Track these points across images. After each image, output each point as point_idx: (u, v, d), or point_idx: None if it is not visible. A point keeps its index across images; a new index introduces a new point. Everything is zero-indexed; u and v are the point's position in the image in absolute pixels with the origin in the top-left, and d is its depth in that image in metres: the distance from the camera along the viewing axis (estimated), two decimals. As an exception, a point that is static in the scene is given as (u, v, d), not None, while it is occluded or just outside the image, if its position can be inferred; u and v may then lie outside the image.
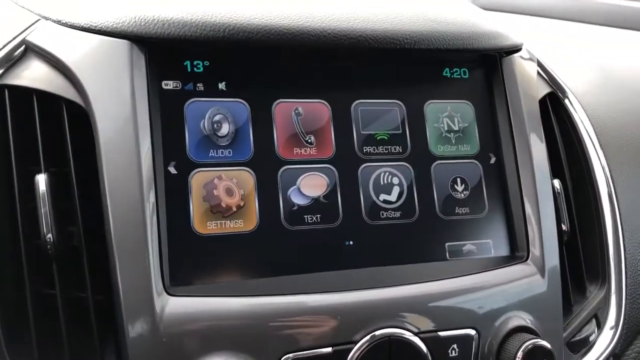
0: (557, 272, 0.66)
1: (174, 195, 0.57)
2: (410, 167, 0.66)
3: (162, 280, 0.54)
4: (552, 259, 0.66)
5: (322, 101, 0.64)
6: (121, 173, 0.54)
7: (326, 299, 0.57)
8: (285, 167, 0.62)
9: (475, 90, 0.71)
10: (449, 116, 0.69)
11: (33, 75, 0.58)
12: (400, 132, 0.67)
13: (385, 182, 0.65)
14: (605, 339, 0.71)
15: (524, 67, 0.73)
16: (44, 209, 0.54)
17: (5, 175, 0.56)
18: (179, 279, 0.55)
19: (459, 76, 0.70)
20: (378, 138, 0.66)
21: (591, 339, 0.71)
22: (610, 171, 0.77)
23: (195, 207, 0.58)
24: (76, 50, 0.58)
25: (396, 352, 0.57)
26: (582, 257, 0.74)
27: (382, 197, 0.65)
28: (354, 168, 0.64)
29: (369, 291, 0.59)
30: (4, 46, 0.60)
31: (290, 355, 0.54)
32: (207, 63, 0.61)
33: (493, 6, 1.08)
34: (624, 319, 0.73)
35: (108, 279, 0.53)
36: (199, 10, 0.59)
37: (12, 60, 0.59)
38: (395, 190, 0.65)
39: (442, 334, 0.59)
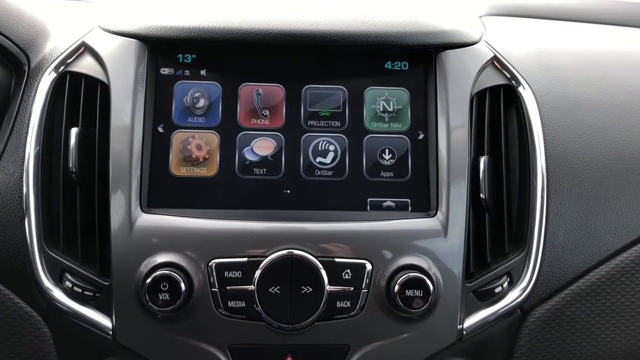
0: (461, 230, 0.80)
1: (160, 147, 0.82)
2: (346, 138, 0.85)
3: (140, 202, 0.79)
4: (458, 219, 0.80)
5: (279, 85, 0.85)
6: (123, 130, 0.80)
7: (252, 224, 0.78)
8: (243, 132, 0.84)
9: (412, 80, 0.87)
10: (385, 100, 0.86)
11: (84, 64, 0.87)
12: (340, 110, 0.85)
13: (323, 148, 0.84)
14: (514, 294, 0.83)
15: (459, 61, 0.87)
16: (73, 152, 0.81)
17: (58, 131, 0.84)
18: (154, 203, 0.80)
19: (399, 68, 0.87)
20: (321, 114, 0.85)
21: (497, 290, 0.83)
22: (546, 158, 0.87)
23: (174, 156, 0.82)
24: (108, 47, 0.85)
25: (296, 266, 0.76)
26: (508, 225, 0.86)
27: (319, 159, 0.84)
28: (298, 136, 0.84)
29: (288, 223, 0.78)
30: (73, 44, 0.89)
31: (216, 260, 0.76)
32: (194, 56, 0.85)
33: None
34: (536, 280, 0.83)
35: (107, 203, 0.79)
36: (186, 19, 0.84)
37: (75, 55, 0.88)
38: (330, 155, 0.84)
39: (337, 259, 0.77)
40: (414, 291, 0.75)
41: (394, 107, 0.86)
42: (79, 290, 0.78)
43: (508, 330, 0.83)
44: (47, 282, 0.78)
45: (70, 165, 0.81)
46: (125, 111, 0.81)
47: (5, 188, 0.81)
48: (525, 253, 0.84)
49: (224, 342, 0.76)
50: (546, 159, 0.87)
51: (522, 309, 0.84)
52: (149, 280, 0.73)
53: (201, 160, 0.83)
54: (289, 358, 0.77)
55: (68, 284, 0.78)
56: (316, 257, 0.76)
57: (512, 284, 0.83)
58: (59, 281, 0.79)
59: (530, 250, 0.84)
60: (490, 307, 0.82)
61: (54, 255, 0.79)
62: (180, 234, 0.77)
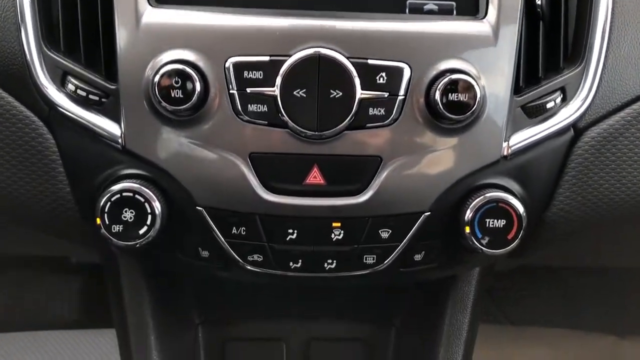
0: (513, 37, 0.70)
1: None
2: None
3: None
4: (509, 24, 0.70)
5: None
6: None
7: (275, 20, 0.68)
8: None
9: None
10: None
11: None
12: None
13: None
14: (568, 110, 0.74)
15: None
16: None
17: None
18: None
19: None
20: None
21: (549, 106, 0.73)
22: None
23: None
24: None
25: (324, 67, 0.67)
26: (564, 38, 0.75)
27: None
28: None
29: (315, 20, 0.69)
30: None
31: (234, 58, 0.67)
32: None
33: None
34: (594, 96, 0.74)
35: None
36: None
37: None
38: (364, -52, 0.73)
39: (371, 61, 0.67)
40: (457, 95, 0.67)
41: None
42: (83, 93, 0.71)
43: (558, 152, 0.75)
44: (46, 83, 0.70)
45: None
46: None
47: (-6, -18, 0.72)
48: (582, 66, 0.74)
49: (244, 149, 0.68)
50: None
51: (575, 128, 0.75)
52: (158, 76, 0.65)
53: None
54: (315, 169, 0.69)
55: (71, 87, 0.71)
56: (347, 58, 0.67)
57: (565, 101, 0.74)
58: (61, 85, 0.71)
59: (589, 62, 0.74)
60: (541, 125, 0.73)
61: (54, 57, 0.71)
62: (193, 28, 0.68)
